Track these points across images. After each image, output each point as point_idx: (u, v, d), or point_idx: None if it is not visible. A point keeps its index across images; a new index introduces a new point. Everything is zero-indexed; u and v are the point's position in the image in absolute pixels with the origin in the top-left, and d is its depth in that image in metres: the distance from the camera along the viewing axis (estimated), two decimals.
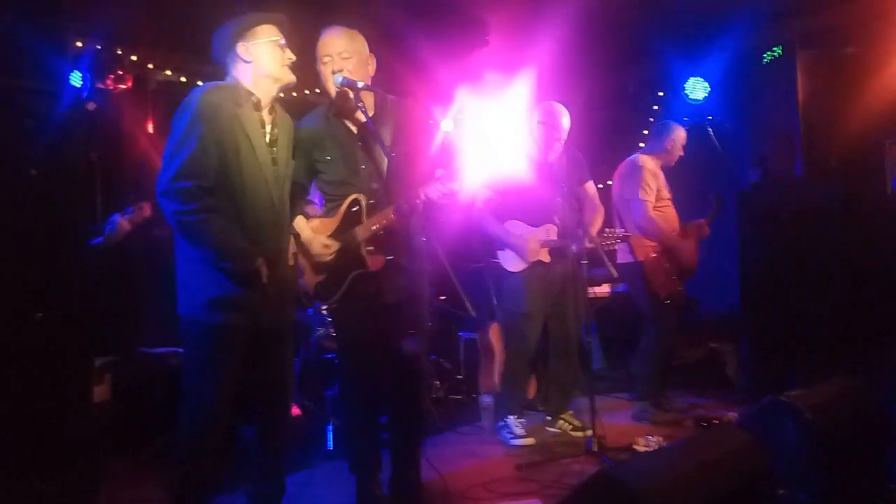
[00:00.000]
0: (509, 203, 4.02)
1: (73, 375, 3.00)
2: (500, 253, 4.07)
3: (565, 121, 4.03)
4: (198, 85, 4.78)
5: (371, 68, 2.87)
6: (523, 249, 3.95)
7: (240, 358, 2.44)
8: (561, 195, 3.97)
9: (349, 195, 2.81)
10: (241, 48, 2.48)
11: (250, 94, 2.49)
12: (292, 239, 2.73)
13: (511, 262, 4.03)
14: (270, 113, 2.57)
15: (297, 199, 2.93)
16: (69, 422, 2.95)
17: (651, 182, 4.26)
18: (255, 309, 2.43)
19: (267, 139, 2.53)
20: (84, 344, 3.08)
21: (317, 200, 3.09)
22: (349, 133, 2.86)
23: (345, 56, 2.76)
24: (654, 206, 4.26)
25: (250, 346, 2.46)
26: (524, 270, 3.99)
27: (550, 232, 3.99)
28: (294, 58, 2.56)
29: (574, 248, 3.86)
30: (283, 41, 2.53)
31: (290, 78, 2.55)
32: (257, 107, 2.51)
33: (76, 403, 3.03)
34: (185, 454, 2.41)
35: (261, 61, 2.49)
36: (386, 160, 2.76)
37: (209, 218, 2.34)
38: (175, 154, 2.35)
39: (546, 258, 3.96)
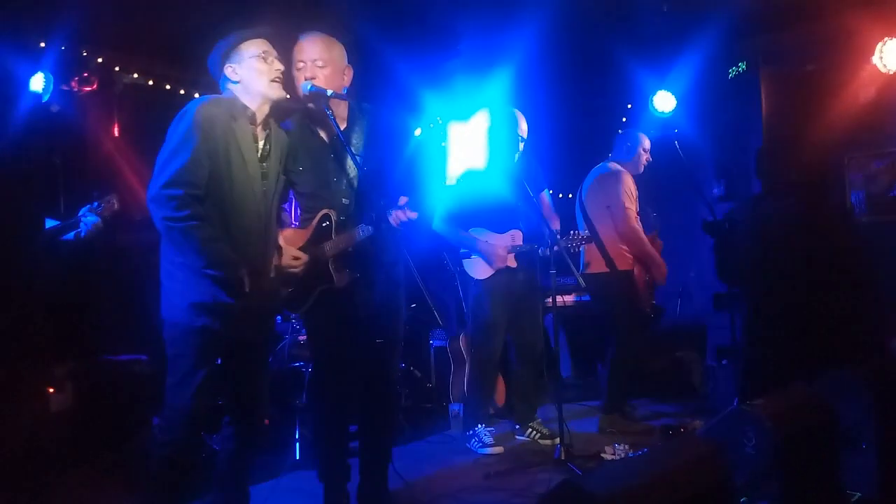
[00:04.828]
0: (472, 210, 4.02)
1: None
2: (465, 261, 4.07)
3: (523, 126, 4.04)
4: (166, 88, 4.80)
5: (347, 79, 2.84)
6: (492, 255, 3.95)
7: (217, 364, 2.46)
8: (524, 200, 3.98)
9: (320, 208, 2.79)
10: (229, 70, 2.53)
11: (246, 108, 2.54)
12: (276, 252, 2.71)
13: (477, 270, 4.02)
14: (265, 129, 2.61)
15: None
16: (24, 430, 2.89)
17: (632, 190, 4.24)
18: (235, 318, 2.44)
19: (259, 154, 2.56)
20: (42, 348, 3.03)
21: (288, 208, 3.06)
22: (321, 143, 2.83)
23: (319, 64, 2.73)
24: None
25: (226, 354, 2.49)
26: (489, 279, 3.99)
27: (516, 237, 4.01)
28: (282, 68, 2.58)
29: (541, 252, 3.88)
30: (268, 53, 2.54)
31: (279, 94, 2.57)
32: (252, 121, 2.54)
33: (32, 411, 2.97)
34: (162, 454, 2.44)
35: (248, 81, 2.53)
36: (357, 173, 2.74)
37: (198, 225, 2.37)
38: (169, 161, 2.38)
39: (513, 263, 3.97)
